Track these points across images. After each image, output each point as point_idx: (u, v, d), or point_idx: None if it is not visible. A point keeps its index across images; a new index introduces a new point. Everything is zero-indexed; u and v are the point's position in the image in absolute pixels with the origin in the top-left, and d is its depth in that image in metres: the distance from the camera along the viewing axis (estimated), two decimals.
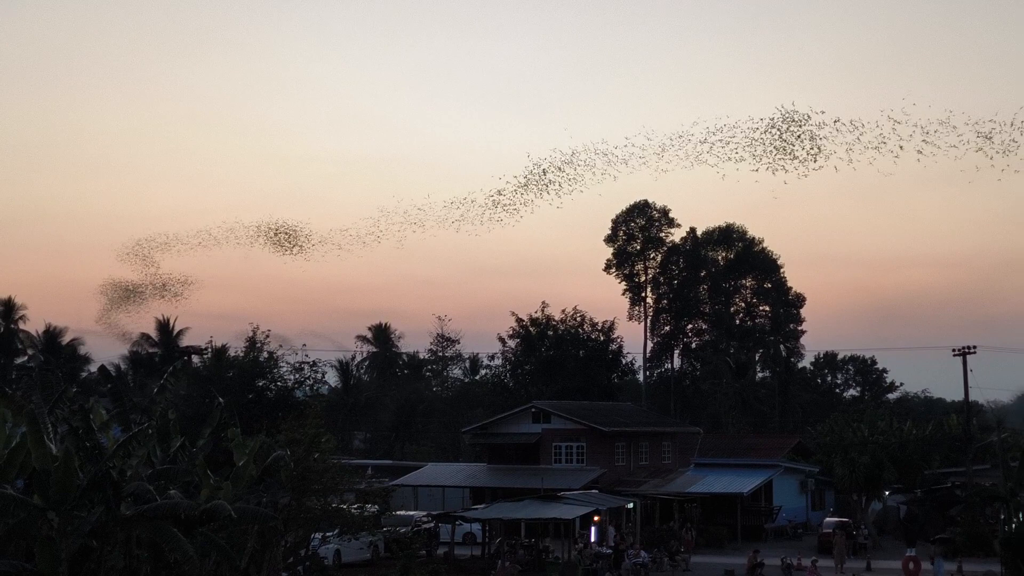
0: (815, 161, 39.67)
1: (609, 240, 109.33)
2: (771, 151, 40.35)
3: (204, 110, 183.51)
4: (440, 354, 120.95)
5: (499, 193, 51.91)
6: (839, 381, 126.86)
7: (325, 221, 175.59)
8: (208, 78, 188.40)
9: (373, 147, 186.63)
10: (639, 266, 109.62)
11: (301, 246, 58.63)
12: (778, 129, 40.00)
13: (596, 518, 53.86)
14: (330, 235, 60.59)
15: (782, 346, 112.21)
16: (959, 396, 71.69)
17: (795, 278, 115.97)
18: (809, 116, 39.46)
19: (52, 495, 25.39)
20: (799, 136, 39.58)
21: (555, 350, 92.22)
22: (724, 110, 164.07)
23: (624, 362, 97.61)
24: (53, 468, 25.58)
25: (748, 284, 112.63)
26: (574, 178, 48.50)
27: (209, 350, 71.34)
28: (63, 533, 25.34)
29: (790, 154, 39.98)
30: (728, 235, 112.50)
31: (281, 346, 66.96)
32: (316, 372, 66.74)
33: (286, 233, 58.58)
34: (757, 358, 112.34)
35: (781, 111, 39.80)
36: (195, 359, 70.43)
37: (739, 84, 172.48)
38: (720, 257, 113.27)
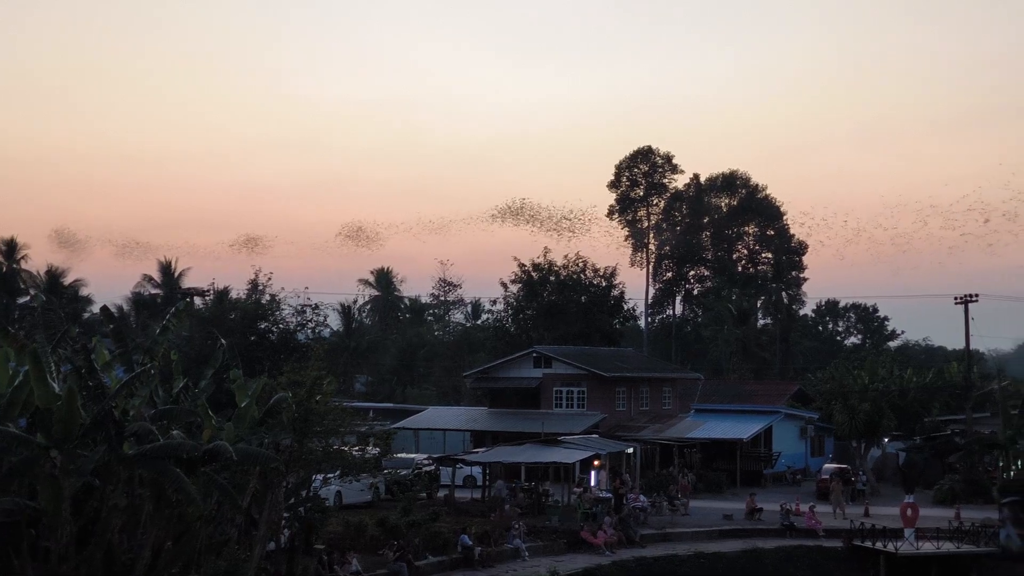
0: None
1: (612, 186, 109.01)
2: None
3: (211, 55, 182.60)
4: (442, 298, 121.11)
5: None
6: (840, 328, 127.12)
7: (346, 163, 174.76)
8: (217, 23, 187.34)
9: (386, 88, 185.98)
10: (642, 212, 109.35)
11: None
12: None
13: (596, 462, 54.04)
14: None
15: (784, 293, 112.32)
16: (960, 344, 71.87)
17: (797, 225, 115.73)
18: None
19: (55, 433, 25.39)
20: None
21: (557, 295, 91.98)
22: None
23: (626, 308, 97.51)
24: (56, 407, 25.55)
25: (751, 231, 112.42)
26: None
27: (211, 292, 71.17)
28: (66, 471, 25.37)
29: None
30: (731, 182, 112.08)
31: (284, 288, 66.90)
32: (318, 315, 66.68)
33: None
34: (759, 305, 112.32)
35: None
36: (197, 301, 70.23)
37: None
38: (723, 204, 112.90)
